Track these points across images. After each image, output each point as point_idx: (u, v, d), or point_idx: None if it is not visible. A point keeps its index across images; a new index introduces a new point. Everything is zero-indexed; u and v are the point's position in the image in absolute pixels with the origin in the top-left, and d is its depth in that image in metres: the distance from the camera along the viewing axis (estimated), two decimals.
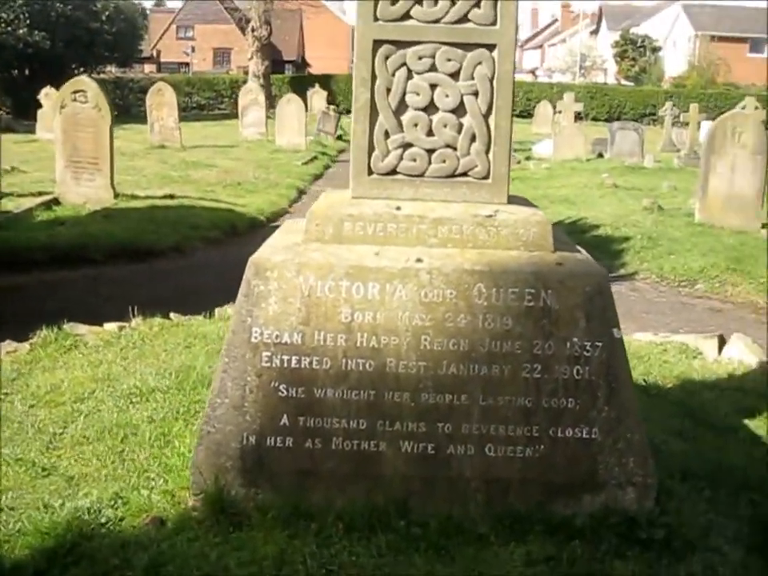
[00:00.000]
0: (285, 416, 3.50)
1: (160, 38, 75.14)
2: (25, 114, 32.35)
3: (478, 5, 3.61)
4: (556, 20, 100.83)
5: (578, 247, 3.95)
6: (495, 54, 3.65)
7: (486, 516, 3.48)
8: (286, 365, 3.50)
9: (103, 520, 3.50)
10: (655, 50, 66.95)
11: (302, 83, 47.70)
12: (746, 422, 5.08)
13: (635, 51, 66.64)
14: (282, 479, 3.52)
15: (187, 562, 3.20)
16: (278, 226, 4.26)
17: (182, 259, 10.64)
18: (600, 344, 3.51)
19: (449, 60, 3.65)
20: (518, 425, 3.51)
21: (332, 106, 33.88)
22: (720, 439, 4.72)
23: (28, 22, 38.60)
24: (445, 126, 3.71)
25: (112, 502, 3.64)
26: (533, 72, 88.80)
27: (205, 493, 3.53)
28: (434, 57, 3.65)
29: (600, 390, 3.52)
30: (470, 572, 3.20)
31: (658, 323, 8.23)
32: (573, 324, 3.50)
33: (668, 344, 6.72)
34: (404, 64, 3.65)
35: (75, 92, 12.68)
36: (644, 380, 5.67)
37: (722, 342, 6.72)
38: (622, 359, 3.58)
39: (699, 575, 3.27)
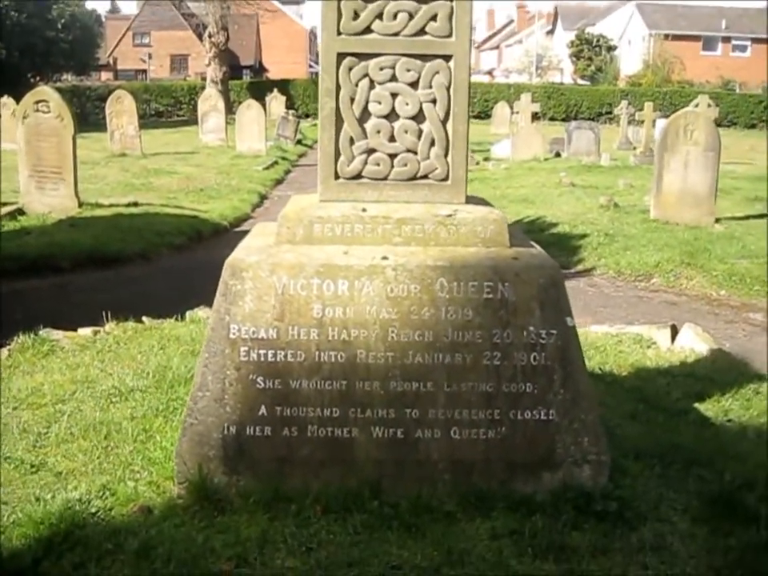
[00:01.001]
0: (263, 407, 3.73)
1: (116, 45, 74.80)
2: None
3: (434, 18, 3.86)
4: (512, 21, 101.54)
5: (533, 243, 4.21)
6: (451, 63, 3.90)
7: (453, 495, 3.72)
8: (262, 358, 3.72)
9: (93, 510, 3.68)
10: (610, 49, 67.74)
11: (260, 88, 47.75)
12: (697, 405, 5.35)
13: (591, 51, 67.39)
14: (262, 466, 3.75)
15: (175, 545, 3.40)
16: (241, 231, 4.47)
17: (148, 265, 10.76)
18: (555, 332, 3.77)
19: (408, 70, 3.90)
20: (481, 409, 3.76)
21: (291, 111, 34.03)
22: (672, 422, 4.99)
23: None
24: (406, 132, 3.96)
25: (100, 494, 3.83)
26: (490, 73, 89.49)
27: (189, 481, 3.74)
28: (394, 68, 3.90)
29: (556, 374, 3.78)
30: (440, 546, 3.43)
31: (615, 316, 8.49)
32: (529, 314, 3.76)
33: (623, 335, 6.99)
34: (366, 75, 3.90)
35: (37, 102, 12.74)
36: (600, 369, 5.94)
37: (675, 331, 6.99)
38: (576, 345, 3.84)
39: (650, 543, 3.52)
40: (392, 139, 3.97)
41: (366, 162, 3.98)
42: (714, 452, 4.45)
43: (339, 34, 3.86)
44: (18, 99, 14.28)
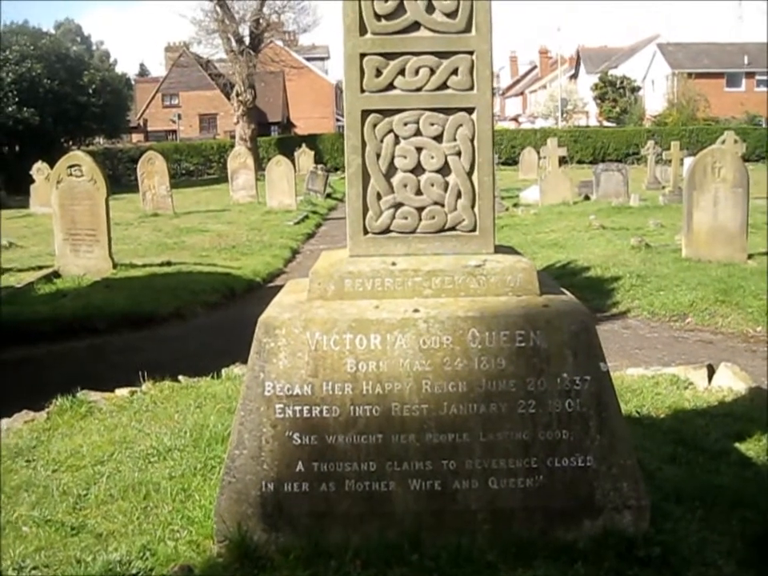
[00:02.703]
0: (300, 462, 3.74)
1: (146, 107, 75.98)
2: (16, 189, 32.74)
3: (455, 72, 3.92)
4: (535, 66, 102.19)
5: (563, 289, 4.22)
6: (474, 116, 3.95)
7: (493, 545, 3.70)
8: (298, 415, 3.75)
9: (134, 571, 3.70)
10: (634, 89, 67.86)
11: (288, 144, 48.36)
12: (737, 445, 5.29)
13: (615, 92, 67.53)
14: (301, 522, 3.75)
15: None
16: (274, 287, 4.52)
17: (183, 324, 10.85)
18: (588, 377, 3.77)
19: (432, 124, 3.96)
20: (518, 457, 3.75)
21: (320, 165, 34.41)
22: (712, 463, 4.93)
23: (17, 99, 39.24)
24: (432, 185, 4.01)
25: (141, 554, 3.84)
26: (516, 119, 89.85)
27: (228, 539, 3.75)
28: (418, 122, 3.96)
29: (591, 420, 3.76)
30: None
31: (651, 358, 8.44)
32: (562, 361, 3.76)
33: (659, 376, 6.94)
34: (391, 130, 3.96)
35: (71, 167, 12.99)
36: (637, 411, 5.91)
37: (712, 371, 6.94)
38: (610, 390, 3.83)
39: None
40: (419, 192, 4.02)
41: (393, 217, 4.02)
42: (756, 492, 4.39)
43: (363, 91, 3.93)
44: (51, 164, 14.55)
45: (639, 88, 68.21)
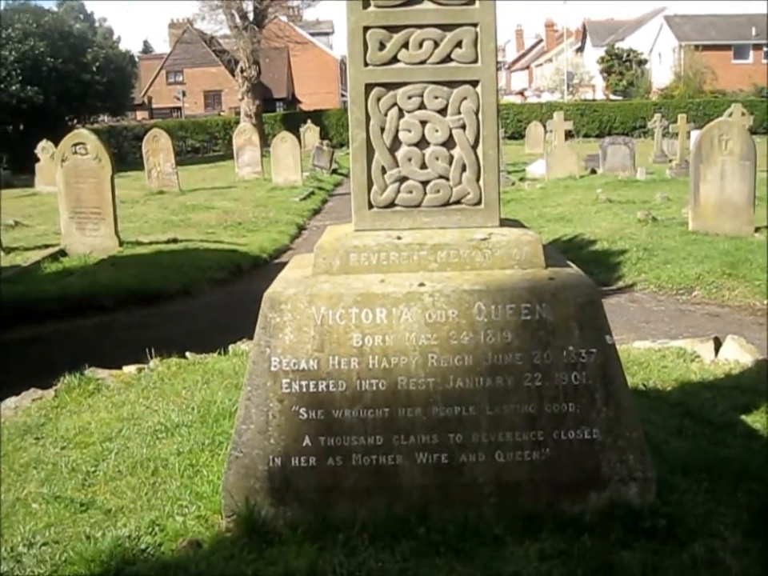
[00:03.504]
0: (307, 437, 3.76)
1: (150, 84, 75.74)
2: (21, 168, 32.72)
3: (459, 45, 3.90)
4: (541, 40, 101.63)
5: (569, 262, 4.21)
6: (479, 88, 3.93)
7: (500, 518, 3.71)
8: (304, 389, 3.76)
9: (143, 546, 3.72)
10: (641, 62, 67.48)
11: (294, 120, 48.25)
12: (743, 417, 5.28)
13: (621, 65, 67.17)
14: (308, 496, 3.76)
15: None
16: (281, 263, 4.51)
17: (190, 301, 10.88)
18: (594, 350, 3.77)
19: (436, 97, 3.94)
20: (524, 430, 3.76)
21: (325, 141, 34.34)
22: (718, 435, 4.93)
23: (20, 77, 39.10)
24: (437, 158, 3.99)
25: (150, 530, 3.86)
26: (522, 93, 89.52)
27: (236, 514, 3.77)
28: (422, 95, 3.94)
29: (597, 392, 3.76)
30: (489, 570, 3.42)
31: (658, 331, 8.44)
32: (568, 333, 3.76)
33: (666, 350, 6.94)
34: (395, 104, 3.94)
35: (75, 145, 12.97)
36: (643, 385, 5.90)
37: (718, 344, 6.93)
38: (616, 363, 3.83)
39: (702, 559, 3.48)
40: (423, 166, 4.00)
41: (398, 191, 4.01)
42: (763, 464, 4.39)
43: (366, 65, 3.91)
44: (56, 142, 14.51)
45: (646, 61, 67.83)
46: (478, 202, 4.02)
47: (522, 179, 24.36)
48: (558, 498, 3.79)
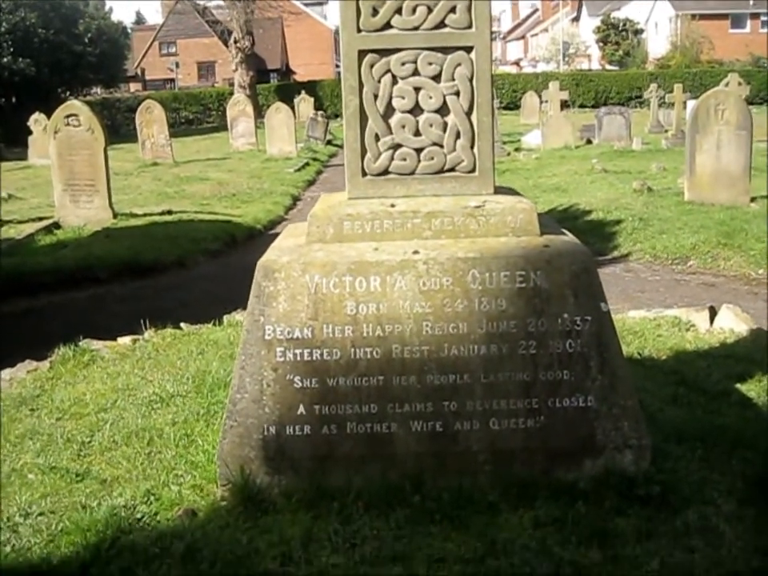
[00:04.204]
0: (301, 406, 3.75)
1: (143, 55, 75.28)
2: (14, 141, 32.51)
3: (453, 10, 3.86)
4: (536, 10, 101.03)
5: (564, 230, 4.20)
6: (473, 55, 3.90)
7: (495, 485, 3.72)
8: (298, 358, 3.75)
9: (139, 515, 3.73)
10: (637, 32, 67.18)
11: (288, 91, 47.94)
12: (738, 386, 5.29)
13: (617, 35, 66.84)
14: (303, 465, 3.77)
15: (221, 546, 3.43)
16: (275, 234, 4.49)
17: (185, 272, 10.86)
18: (589, 318, 3.76)
19: (430, 64, 3.91)
20: (519, 398, 3.76)
21: (320, 112, 34.15)
22: (713, 403, 4.94)
23: (12, 49, 38.79)
24: (431, 125, 3.96)
25: (145, 499, 3.87)
26: (517, 63, 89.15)
27: (232, 483, 3.77)
28: (415, 62, 3.90)
29: (592, 360, 3.76)
30: (483, 537, 3.43)
31: (653, 301, 8.44)
32: (562, 301, 3.75)
33: (661, 319, 6.94)
34: (388, 71, 3.90)
35: (68, 116, 12.87)
36: (638, 353, 5.90)
37: (713, 313, 6.93)
38: (611, 331, 3.82)
39: (695, 526, 3.50)
40: (417, 133, 3.97)
41: (392, 158, 3.98)
42: (757, 432, 4.39)
43: (359, 31, 3.87)
44: (49, 115, 14.41)
45: (642, 30, 67.51)
46: (473, 170, 4.00)
47: (517, 149, 24.29)
48: (552, 466, 3.79)
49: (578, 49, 76.18)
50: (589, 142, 24.31)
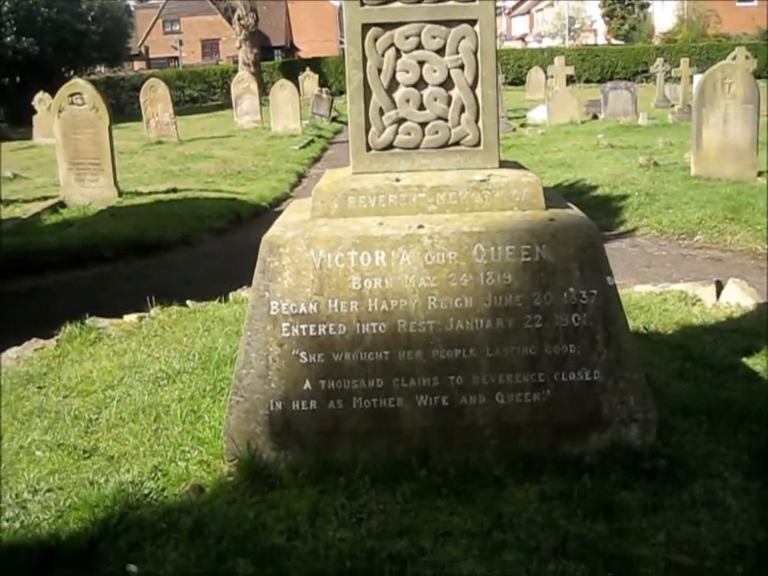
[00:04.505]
0: (307, 381, 3.76)
1: (147, 33, 75.08)
2: (19, 120, 32.50)
3: None
4: None
5: (569, 204, 4.18)
6: (477, 27, 3.87)
7: (501, 459, 3.72)
8: (304, 333, 3.75)
9: (146, 491, 3.74)
10: (644, 6, 66.72)
11: (292, 68, 47.76)
12: (744, 360, 5.28)
13: (624, 9, 66.41)
14: (309, 440, 3.78)
15: (228, 521, 3.44)
16: (281, 211, 4.47)
17: (190, 250, 10.86)
18: (595, 292, 3.75)
19: (434, 37, 3.88)
20: (525, 372, 3.75)
21: (324, 89, 33.99)
22: (719, 378, 4.93)
23: (15, 29, 38.65)
24: (435, 99, 3.94)
25: (152, 475, 3.89)
26: (522, 38, 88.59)
27: (238, 458, 3.79)
28: (419, 35, 3.87)
29: (598, 334, 3.75)
30: (489, 511, 3.44)
31: (659, 275, 8.42)
32: (568, 275, 3.74)
33: (667, 293, 6.92)
34: (392, 44, 3.88)
35: (72, 95, 12.83)
36: (645, 328, 5.89)
37: (720, 287, 6.91)
38: (617, 305, 3.81)
39: (701, 499, 3.50)
40: (422, 107, 3.95)
41: (396, 132, 3.96)
42: (763, 406, 4.39)
43: (363, 5, 3.84)
44: (53, 94, 14.38)
45: (648, 5, 67.00)
46: (477, 144, 3.97)
47: (522, 125, 24.18)
48: (558, 440, 3.79)
49: (584, 23, 75.76)
50: (595, 117, 24.17)
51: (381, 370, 3.74)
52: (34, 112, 26.93)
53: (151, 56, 74.25)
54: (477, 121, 3.95)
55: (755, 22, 56.20)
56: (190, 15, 74.36)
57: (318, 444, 3.76)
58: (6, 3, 38.93)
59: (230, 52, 61.65)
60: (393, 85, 3.93)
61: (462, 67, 3.90)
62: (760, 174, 12.46)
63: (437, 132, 3.96)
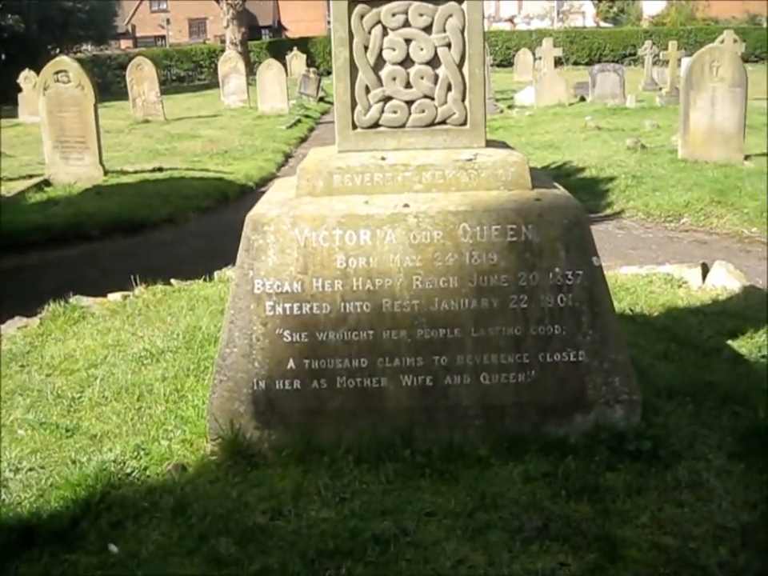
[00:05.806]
0: (291, 360, 3.74)
1: (134, 12, 74.43)
2: (4, 98, 32.18)
3: None
4: None
5: (556, 184, 4.16)
6: (464, 6, 3.83)
7: (485, 440, 3.72)
8: (288, 312, 3.72)
9: (128, 470, 3.73)
10: None
11: (280, 48, 47.49)
12: (729, 342, 5.29)
13: None
14: (293, 419, 3.76)
15: (210, 500, 3.43)
16: (267, 191, 4.44)
17: (176, 229, 10.80)
18: (581, 272, 3.73)
19: (421, 15, 3.84)
20: (509, 353, 3.74)
21: (312, 69, 33.81)
22: (704, 359, 4.94)
23: (0, 5, 38.25)
24: (422, 77, 3.91)
25: (135, 454, 3.87)
26: (511, 20, 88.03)
27: (221, 437, 3.77)
28: (406, 13, 3.84)
29: (583, 315, 3.74)
30: (473, 491, 3.44)
31: (646, 258, 8.41)
32: (554, 255, 3.72)
33: (653, 275, 6.92)
34: (379, 22, 3.84)
35: (57, 72, 12.70)
36: (630, 310, 5.89)
37: (706, 270, 6.91)
38: (603, 285, 3.80)
39: (685, 480, 3.51)
40: (408, 86, 3.92)
41: (382, 110, 3.94)
42: (747, 388, 4.41)
43: None
44: (38, 72, 14.24)
45: None
46: (464, 123, 3.95)
47: (510, 107, 24.14)
48: (543, 421, 3.79)
49: (573, 6, 75.48)
50: (582, 99, 24.14)
51: (365, 350, 3.73)
52: (20, 90, 26.72)
53: (138, 35, 73.68)
54: (463, 100, 3.92)
55: (744, 5, 56.22)
56: None
57: (301, 423, 3.75)
58: None
59: (218, 31, 61.17)
60: (379, 62, 3.89)
61: (449, 45, 3.87)
62: (747, 157, 12.48)
63: (423, 110, 3.93)
